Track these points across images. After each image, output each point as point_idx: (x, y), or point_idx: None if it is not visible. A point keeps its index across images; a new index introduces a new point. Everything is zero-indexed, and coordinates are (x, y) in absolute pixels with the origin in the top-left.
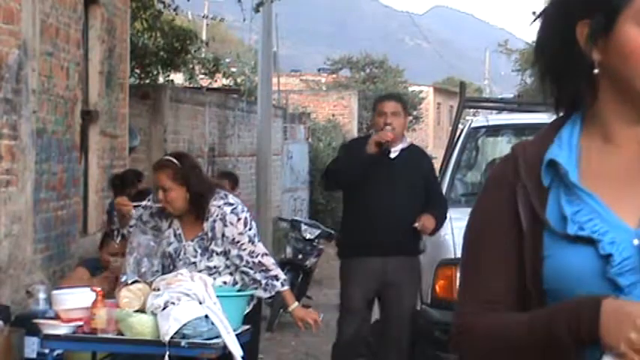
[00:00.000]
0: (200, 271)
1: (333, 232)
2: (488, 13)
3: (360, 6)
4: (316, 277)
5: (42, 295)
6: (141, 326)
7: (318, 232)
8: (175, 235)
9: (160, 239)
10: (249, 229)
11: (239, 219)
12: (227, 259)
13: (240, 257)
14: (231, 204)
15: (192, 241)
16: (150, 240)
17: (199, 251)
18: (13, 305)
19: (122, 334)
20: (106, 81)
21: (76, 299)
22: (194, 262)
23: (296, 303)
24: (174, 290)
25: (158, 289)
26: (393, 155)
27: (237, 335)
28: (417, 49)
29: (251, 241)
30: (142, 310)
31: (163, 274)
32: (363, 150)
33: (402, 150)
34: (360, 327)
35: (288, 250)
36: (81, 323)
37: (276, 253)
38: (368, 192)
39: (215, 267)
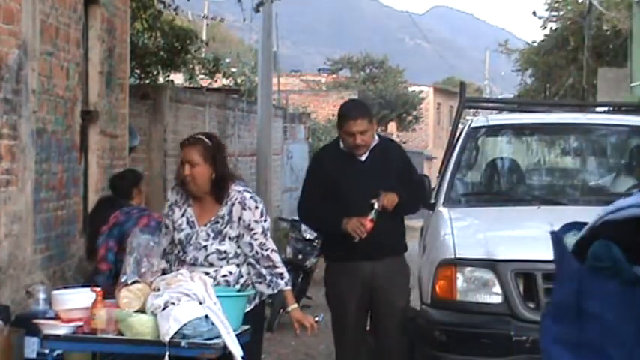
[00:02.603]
0: (209, 255)
1: None
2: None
3: (360, 6)
4: (316, 278)
5: (42, 295)
6: (141, 326)
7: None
8: (188, 223)
9: (159, 238)
10: (264, 221)
11: (257, 207)
12: (238, 246)
13: (251, 246)
14: (251, 192)
15: (204, 226)
16: (150, 240)
17: (212, 235)
18: (13, 305)
19: (122, 334)
20: (106, 81)
21: (76, 299)
22: (205, 246)
23: (295, 304)
24: (174, 290)
25: (158, 289)
26: (363, 158)
27: (237, 335)
28: (417, 49)
29: (264, 232)
30: (142, 310)
31: (175, 261)
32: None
33: (371, 150)
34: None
35: (288, 250)
36: (81, 323)
37: None
38: (344, 198)
39: (225, 251)
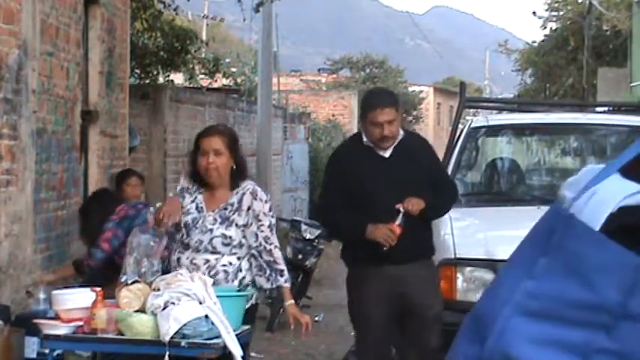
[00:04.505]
0: (214, 238)
1: None
2: (488, 13)
3: (360, 6)
4: (316, 277)
5: (42, 295)
6: (141, 326)
7: (318, 232)
8: (197, 208)
9: (159, 239)
10: (272, 217)
11: (267, 201)
12: (243, 236)
13: (256, 236)
14: (261, 187)
15: (213, 211)
16: (150, 240)
17: (219, 220)
18: (13, 305)
19: (122, 334)
20: (106, 81)
21: (76, 299)
22: (210, 229)
23: (292, 301)
24: (174, 290)
25: (158, 289)
26: (387, 155)
27: (237, 335)
28: (417, 49)
29: (270, 227)
30: (142, 310)
31: (178, 246)
32: (361, 220)
33: (396, 147)
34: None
35: (288, 250)
36: (81, 323)
37: None
38: (366, 198)
39: (230, 237)
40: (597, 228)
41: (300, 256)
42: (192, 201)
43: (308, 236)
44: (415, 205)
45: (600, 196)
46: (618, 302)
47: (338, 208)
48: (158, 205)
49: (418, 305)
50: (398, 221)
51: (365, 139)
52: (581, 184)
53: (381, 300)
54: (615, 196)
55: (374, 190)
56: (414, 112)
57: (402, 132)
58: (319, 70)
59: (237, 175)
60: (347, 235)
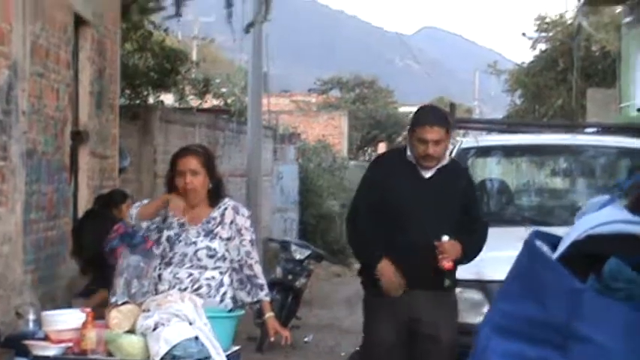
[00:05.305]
0: (199, 250)
1: (323, 253)
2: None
3: (350, 26)
4: (306, 298)
5: (31, 317)
6: (131, 347)
7: (308, 252)
8: (179, 223)
9: (149, 259)
10: (252, 232)
11: (248, 217)
12: (227, 249)
13: (239, 250)
14: (245, 206)
15: (195, 225)
16: (140, 261)
17: (202, 233)
18: (2, 326)
19: (112, 355)
20: (96, 102)
21: (65, 320)
22: (195, 242)
23: (272, 313)
24: (164, 311)
25: (148, 310)
26: (427, 175)
27: (227, 356)
28: (407, 70)
29: (251, 242)
30: (131, 331)
31: (161, 263)
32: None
33: (439, 169)
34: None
35: (278, 270)
36: (71, 344)
37: (267, 274)
38: (395, 217)
39: (215, 249)
40: (560, 254)
41: (290, 277)
42: (174, 216)
43: (298, 257)
44: (451, 250)
45: (575, 225)
46: (565, 324)
47: (364, 220)
48: (145, 201)
49: (425, 335)
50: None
51: (409, 154)
52: (584, 213)
53: (391, 327)
54: (584, 226)
55: (407, 207)
56: (404, 133)
57: (447, 157)
58: (309, 90)
59: (216, 193)
60: (358, 258)
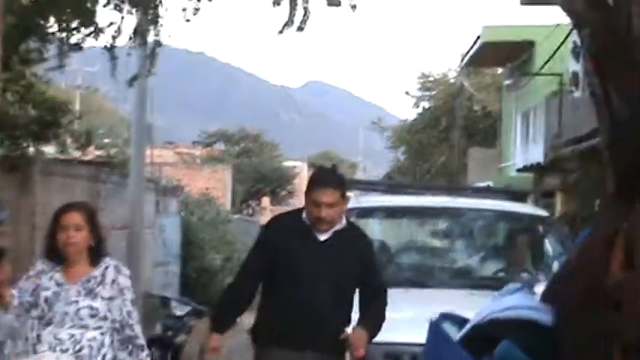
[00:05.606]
0: (81, 309)
1: (203, 308)
2: (362, 89)
3: (236, 79)
4: (186, 354)
5: None
6: None
7: (188, 308)
8: (57, 283)
9: (24, 317)
10: (132, 293)
11: (129, 277)
12: (108, 309)
13: (120, 310)
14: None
15: (75, 284)
16: (13, 320)
17: (83, 292)
18: None
19: None
20: None
21: None
22: (76, 301)
23: None
24: None
25: None
26: (323, 238)
27: None
28: (292, 123)
29: (132, 302)
30: None
31: (38, 323)
32: None
33: (336, 232)
34: None
35: (158, 326)
36: None
37: (146, 329)
38: (289, 276)
39: (97, 309)
40: (462, 335)
41: (169, 333)
42: (50, 278)
43: (178, 313)
44: (359, 342)
45: (482, 308)
46: None
47: (242, 284)
48: (28, 275)
49: None
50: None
51: (304, 216)
52: (498, 297)
53: None
54: (488, 310)
55: (300, 268)
56: (288, 187)
57: (344, 222)
58: (194, 142)
59: (97, 251)
60: (215, 312)
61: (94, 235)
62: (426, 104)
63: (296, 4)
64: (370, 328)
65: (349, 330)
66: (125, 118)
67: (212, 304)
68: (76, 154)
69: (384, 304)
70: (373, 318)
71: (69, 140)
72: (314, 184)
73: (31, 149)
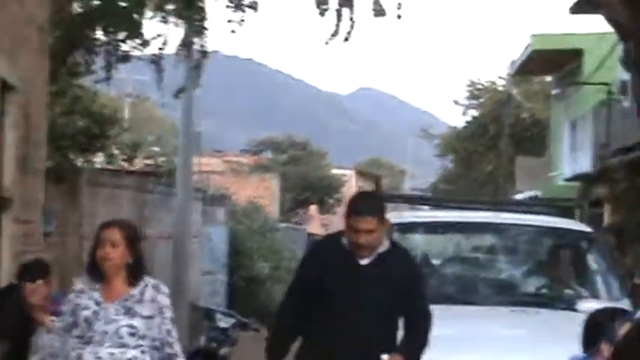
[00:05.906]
0: (120, 328)
1: (248, 321)
2: (412, 95)
3: (285, 85)
4: None
5: None
6: None
7: (233, 320)
8: (96, 302)
9: (65, 337)
10: (172, 311)
11: (168, 295)
12: (148, 327)
13: (160, 329)
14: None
15: (113, 303)
16: (55, 340)
17: (122, 311)
18: None
19: None
20: (21, 167)
21: None
22: (115, 319)
23: None
24: None
25: None
26: (364, 262)
27: None
28: (342, 130)
29: (172, 321)
30: None
31: (78, 342)
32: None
33: (379, 255)
34: None
35: (202, 338)
36: None
37: (190, 341)
38: (330, 303)
39: (136, 327)
40: None
41: (214, 345)
42: (89, 298)
43: (222, 325)
44: None
45: None
46: None
47: (289, 316)
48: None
49: None
50: None
51: (344, 241)
52: None
53: None
54: None
55: (341, 294)
56: (336, 195)
57: (387, 244)
58: (241, 150)
59: (135, 269)
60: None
61: (131, 252)
62: (474, 112)
63: (342, 15)
64: (409, 353)
65: (385, 357)
66: (175, 126)
67: (267, 335)
68: (124, 164)
69: (427, 328)
70: (414, 342)
71: (116, 151)
72: (351, 211)
73: (79, 160)
